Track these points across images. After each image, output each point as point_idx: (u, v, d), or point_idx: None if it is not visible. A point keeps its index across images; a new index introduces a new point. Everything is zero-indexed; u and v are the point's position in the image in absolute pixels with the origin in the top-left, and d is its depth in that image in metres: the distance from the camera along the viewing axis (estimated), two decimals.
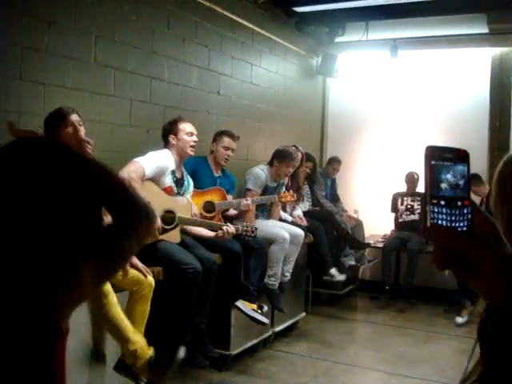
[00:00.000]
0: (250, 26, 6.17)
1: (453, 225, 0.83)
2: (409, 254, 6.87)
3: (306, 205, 6.66)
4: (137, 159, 3.93)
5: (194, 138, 4.31)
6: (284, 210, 6.01)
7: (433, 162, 0.85)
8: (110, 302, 3.38)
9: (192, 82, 5.39)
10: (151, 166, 3.97)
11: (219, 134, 5.02)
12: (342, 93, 8.10)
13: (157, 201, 4.00)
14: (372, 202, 7.76)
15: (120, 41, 4.53)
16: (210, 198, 4.77)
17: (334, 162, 7.40)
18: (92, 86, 4.32)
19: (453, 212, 0.83)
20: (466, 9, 6.45)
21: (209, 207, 4.73)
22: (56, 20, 3.98)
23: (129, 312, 3.56)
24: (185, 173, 4.39)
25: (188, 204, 4.31)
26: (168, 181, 4.15)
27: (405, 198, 7.17)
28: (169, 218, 4.10)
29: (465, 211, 0.83)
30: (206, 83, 5.60)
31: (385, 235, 7.47)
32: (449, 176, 0.84)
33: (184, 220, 4.21)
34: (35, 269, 1.16)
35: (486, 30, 6.80)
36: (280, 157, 5.45)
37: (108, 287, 3.29)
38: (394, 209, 7.25)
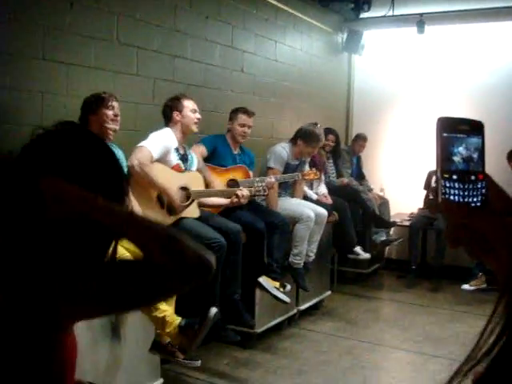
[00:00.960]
0: (274, 2, 6.10)
1: (465, 200, 0.79)
2: (436, 233, 6.80)
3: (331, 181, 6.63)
4: (142, 143, 3.92)
5: (198, 115, 4.26)
6: (311, 187, 6.00)
7: (444, 135, 0.81)
8: None
9: (215, 60, 5.36)
10: (157, 148, 3.96)
11: (234, 112, 4.97)
12: (367, 70, 8.00)
13: (170, 180, 4.03)
14: (398, 180, 7.69)
15: (142, 19, 4.52)
16: (234, 175, 4.76)
17: (360, 139, 7.31)
18: (115, 65, 4.32)
19: (466, 187, 0.79)
20: None
21: (233, 185, 4.72)
22: (78, 0, 3.97)
23: None
24: (187, 148, 4.36)
25: (199, 177, 4.32)
26: (174, 159, 4.14)
27: None
28: (184, 194, 4.12)
29: (478, 185, 0.80)
30: (230, 61, 5.56)
31: (411, 214, 7.40)
32: (461, 149, 0.81)
33: (199, 193, 4.22)
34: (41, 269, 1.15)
35: None
36: (305, 136, 5.35)
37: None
38: (427, 186, 7.13)
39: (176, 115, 4.21)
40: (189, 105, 4.24)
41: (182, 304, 3.71)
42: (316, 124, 5.67)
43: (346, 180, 6.64)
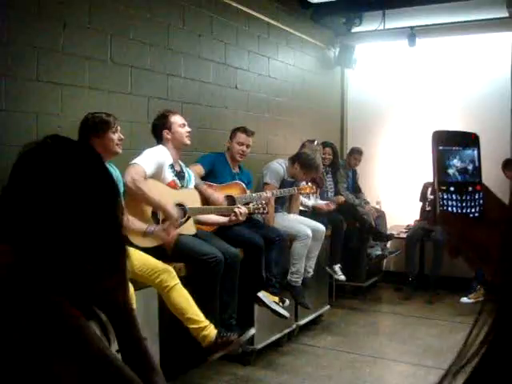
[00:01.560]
0: (266, 19, 6.15)
1: (463, 211, 0.80)
2: (434, 244, 6.80)
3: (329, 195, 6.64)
4: (135, 160, 3.93)
5: (187, 128, 4.26)
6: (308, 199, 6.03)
7: (440, 148, 0.82)
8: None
9: (209, 78, 5.39)
10: (150, 164, 3.96)
11: (234, 131, 5.00)
12: (360, 83, 8.05)
13: (165, 197, 4.03)
14: (394, 193, 7.71)
15: (135, 39, 4.54)
16: (230, 192, 4.77)
17: (355, 152, 7.32)
18: (109, 84, 4.34)
19: (463, 198, 0.80)
20: None
21: (229, 202, 4.73)
22: (71, 21, 4.00)
23: (172, 307, 3.64)
24: (183, 165, 4.37)
25: (195, 194, 4.31)
26: (169, 175, 4.15)
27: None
28: (180, 211, 4.12)
29: (476, 196, 0.81)
30: (223, 78, 5.59)
31: (408, 226, 7.41)
32: (457, 161, 0.82)
33: (195, 210, 4.23)
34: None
35: (505, 15, 6.67)
36: (304, 164, 5.34)
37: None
38: (423, 198, 7.16)
39: (166, 133, 4.21)
40: (177, 120, 4.24)
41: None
42: (313, 141, 5.71)
43: (342, 198, 6.63)
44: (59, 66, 3.93)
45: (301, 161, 5.39)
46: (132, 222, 3.80)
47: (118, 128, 3.65)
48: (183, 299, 3.65)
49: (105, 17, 4.28)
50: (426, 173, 7.08)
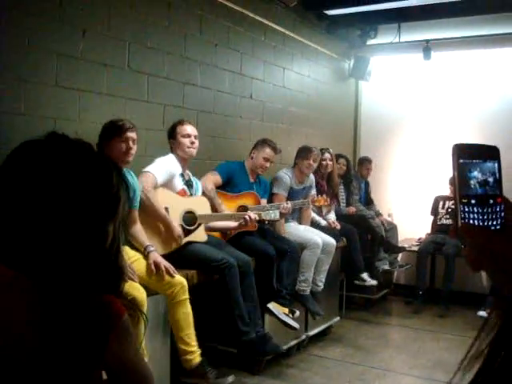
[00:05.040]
0: (282, 30, 6.18)
1: (485, 223, 0.81)
2: (445, 258, 6.76)
3: (342, 207, 6.64)
4: (147, 168, 3.97)
5: (192, 139, 4.23)
6: (319, 213, 6.01)
7: (461, 161, 0.83)
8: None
9: (224, 87, 5.42)
10: (162, 173, 4.00)
11: (262, 143, 5.00)
12: (374, 96, 8.05)
13: (175, 204, 4.06)
14: (406, 205, 7.69)
15: (153, 47, 4.58)
16: (244, 202, 4.79)
17: (365, 161, 7.32)
18: (126, 91, 4.38)
19: (485, 210, 0.81)
20: (499, 8, 6.33)
21: (243, 211, 4.74)
22: (90, 28, 4.05)
23: (172, 319, 3.63)
24: (190, 174, 4.38)
25: (205, 201, 4.33)
26: (179, 184, 4.18)
27: (447, 202, 7.05)
28: (190, 218, 4.14)
29: (497, 209, 0.81)
30: (239, 87, 5.62)
31: (419, 239, 7.39)
32: (477, 173, 0.83)
33: (205, 217, 4.24)
34: None
35: None
36: (299, 153, 5.52)
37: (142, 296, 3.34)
38: (434, 211, 7.14)
39: (172, 143, 4.25)
40: (181, 130, 4.23)
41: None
42: (325, 149, 5.77)
43: (353, 209, 6.62)
44: (78, 72, 3.98)
45: (297, 154, 5.55)
46: (141, 232, 3.80)
47: (130, 136, 3.60)
48: (185, 316, 3.65)
49: (123, 25, 4.32)
50: (437, 186, 7.09)
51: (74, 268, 1.16)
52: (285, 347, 5.03)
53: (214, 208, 4.54)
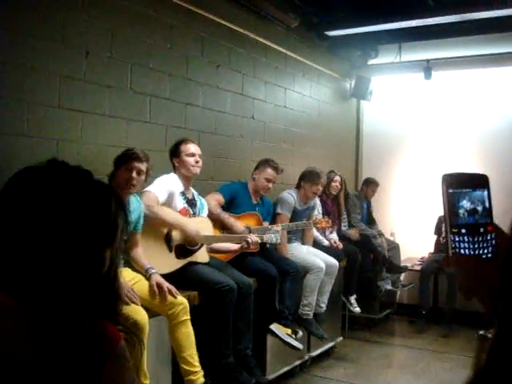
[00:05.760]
0: (283, 50, 6.22)
1: (476, 252, 0.81)
2: (448, 277, 6.74)
3: (343, 229, 6.62)
4: (148, 188, 3.96)
5: (197, 158, 4.22)
6: (322, 232, 5.99)
7: (450, 190, 0.83)
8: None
9: (226, 108, 5.45)
10: (162, 192, 3.99)
11: (264, 164, 4.98)
12: (376, 115, 8.08)
13: None
14: (408, 225, 7.68)
15: (155, 68, 4.61)
16: (246, 223, 4.78)
17: (373, 184, 7.28)
18: (128, 112, 4.40)
19: (475, 239, 0.81)
20: (499, 28, 6.38)
21: (246, 233, 4.73)
22: (93, 49, 4.08)
23: (174, 340, 3.61)
24: (195, 193, 4.37)
25: (207, 222, 4.32)
26: (180, 203, 4.15)
27: None
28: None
29: (488, 237, 0.82)
30: (240, 108, 5.65)
31: (422, 258, 7.37)
32: (465, 202, 0.83)
33: (208, 238, 4.23)
34: None
35: None
36: (308, 177, 5.48)
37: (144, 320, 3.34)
38: (438, 231, 7.13)
39: (176, 162, 4.24)
40: (185, 149, 4.22)
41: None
42: (333, 171, 5.78)
43: (356, 235, 6.55)
44: (81, 93, 4.00)
45: (303, 177, 5.53)
46: (142, 255, 3.80)
47: (137, 166, 3.56)
48: (186, 337, 3.63)
49: (126, 46, 4.35)
50: (440, 205, 7.04)
51: (71, 294, 1.16)
52: (288, 368, 5.00)
53: (222, 223, 4.54)
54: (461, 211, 0.82)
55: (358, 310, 6.07)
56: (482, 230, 0.82)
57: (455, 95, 7.52)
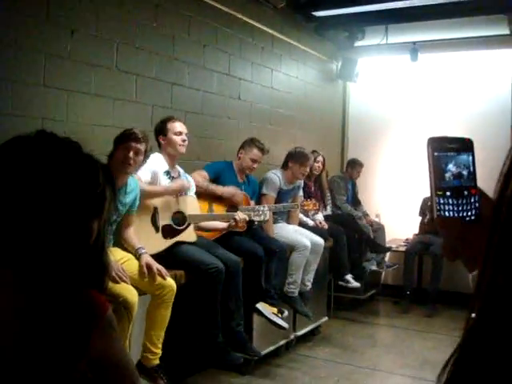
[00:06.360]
0: (270, 31, 6.20)
1: (460, 215, 0.83)
2: (432, 258, 6.81)
3: (328, 209, 6.65)
4: None
5: (183, 136, 4.21)
6: (306, 214, 6.01)
7: (435, 154, 0.85)
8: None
9: (212, 88, 5.43)
10: (145, 172, 3.96)
11: (249, 143, 4.96)
12: (362, 97, 8.09)
13: (164, 204, 4.05)
14: (393, 206, 7.73)
15: (141, 47, 4.58)
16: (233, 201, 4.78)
17: (358, 165, 7.29)
18: (114, 92, 4.37)
19: (459, 202, 0.83)
20: (486, 10, 6.38)
21: (232, 211, 4.74)
22: (78, 28, 4.04)
23: (150, 316, 3.62)
24: (181, 171, 4.36)
25: (194, 201, 4.33)
26: (165, 182, 4.13)
27: None
28: (179, 218, 4.13)
29: (472, 200, 0.83)
30: (227, 88, 5.63)
31: (407, 239, 7.43)
32: (452, 166, 0.84)
33: (195, 217, 4.23)
34: None
35: (507, 32, 6.74)
36: (296, 158, 5.46)
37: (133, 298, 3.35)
38: (422, 213, 7.18)
39: (161, 139, 4.22)
40: (172, 128, 4.21)
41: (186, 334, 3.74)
42: (316, 151, 5.76)
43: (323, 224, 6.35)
44: (66, 72, 3.97)
45: (291, 158, 5.50)
46: (133, 235, 3.81)
47: (134, 146, 3.53)
48: (162, 318, 3.63)
49: (111, 25, 4.32)
50: (425, 187, 7.08)
51: (59, 263, 1.17)
52: (273, 347, 5.05)
53: (213, 193, 4.54)
54: (447, 175, 0.84)
55: (357, 284, 6.10)
56: (466, 192, 0.83)
57: (442, 77, 7.54)
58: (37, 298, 1.15)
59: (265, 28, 6.10)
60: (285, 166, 5.54)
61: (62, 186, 1.17)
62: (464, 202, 0.83)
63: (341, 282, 6.14)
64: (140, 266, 3.62)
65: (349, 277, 6.10)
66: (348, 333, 6.00)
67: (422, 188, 7.04)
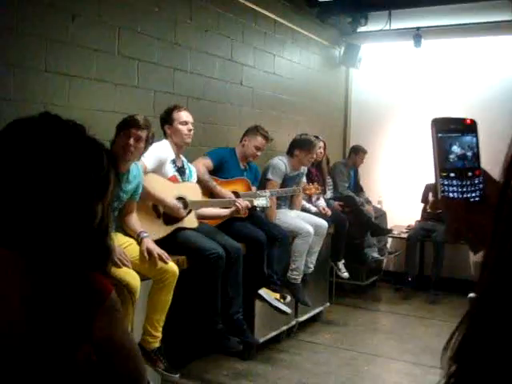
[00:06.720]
0: (272, 16, 6.16)
1: (464, 196, 0.82)
2: (435, 244, 6.81)
3: (328, 193, 6.64)
4: None
5: (189, 126, 4.21)
6: (309, 200, 6.00)
7: (439, 135, 0.84)
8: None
9: (214, 73, 5.40)
10: (151, 159, 3.96)
11: (254, 131, 4.94)
12: (365, 83, 8.05)
13: (166, 190, 4.05)
14: (396, 193, 7.72)
15: (143, 32, 4.56)
16: (235, 188, 4.78)
17: (361, 152, 7.26)
18: (116, 77, 4.36)
19: (464, 183, 0.83)
20: None
21: (235, 197, 4.73)
22: (80, 13, 4.01)
23: (151, 300, 3.63)
24: (185, 161, 4.36)
25: (196, 187, 4.32)
26: (170, 170, 4.14)
27: None
28: (181, 204, 4.12)
29: (476, 181, 0.83)
30: (229, 74, 5.61)
31: (409, 226, 7.43)
32: (456, 147, 0.84)
33: (196, 203, 4.22)
34: None
35: (511, 18, 6.69)
36: (303, 145, 5.43)
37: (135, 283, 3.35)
38: (425, 199, 7.16)
39: (167, 128, 4.21)
40: (178, 117, 4.20)
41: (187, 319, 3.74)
42: (317, 137, 5.74)
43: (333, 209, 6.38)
44: (67, 57, 3.95)
45: (297, 145, 5.47)
46: (135, 220, 3.80)
47: (135, 132, 3.49)
48: (164, 303, 3.64)
49: (113, 10, 4.29)
50: (428, 174, 7.09)
51: (63, 245, 1.18)
52: (275, 333, 5.06)
53: (209, 191, 4.54)
54: (451, 156, 0.83)
55: (346, 274, 6.10)
56: (470, 173, 0.83)
57: (445, 64, 7.49)
58: (42, 280, 1.15)
59: (267, 13, 6.06)
60: (290, 153, 5.50)
61: (67, 168, 1.18)
62: (468, 183, 0.83)
63: (332, 264, 6.13)
64: (141, 251, 3.62)
65: (341, 264, 6.10)
66: (349, 319, 6.02)
67: (425, 175, 7.07)
